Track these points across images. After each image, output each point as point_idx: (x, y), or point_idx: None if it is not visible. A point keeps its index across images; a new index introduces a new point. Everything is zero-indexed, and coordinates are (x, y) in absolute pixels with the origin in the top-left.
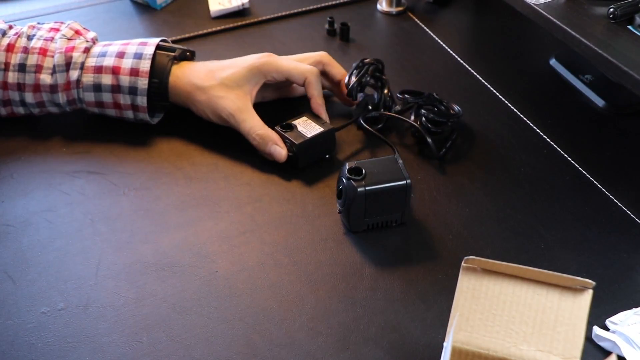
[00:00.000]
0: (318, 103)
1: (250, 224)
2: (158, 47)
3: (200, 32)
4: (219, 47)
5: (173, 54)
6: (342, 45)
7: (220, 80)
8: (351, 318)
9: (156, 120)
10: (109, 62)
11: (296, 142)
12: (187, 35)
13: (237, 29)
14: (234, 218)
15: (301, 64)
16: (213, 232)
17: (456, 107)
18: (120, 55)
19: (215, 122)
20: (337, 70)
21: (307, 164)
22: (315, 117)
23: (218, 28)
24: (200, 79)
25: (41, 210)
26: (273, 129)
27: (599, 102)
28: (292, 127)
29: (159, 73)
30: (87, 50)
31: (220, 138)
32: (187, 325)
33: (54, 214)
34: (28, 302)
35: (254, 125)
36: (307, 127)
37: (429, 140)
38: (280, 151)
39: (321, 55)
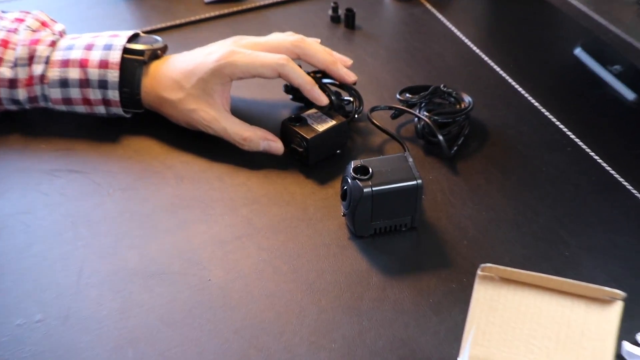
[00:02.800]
0: (308, 90)
1: (247, 228)
2: (126, 51)
3: (193, 19)
4: (213, 35)
5: (142, 58)
6: (347, 33)
7: (187, 92)
8: (356, 331)
9: (132, 113)
10: (76, 54)
11: (307, 137)
12: (177, 22)
13: (232, 15)
14: (229, 221)
15: (268, 56)
16: (206, 236)
17: (467, 98)
18: (89, 47)
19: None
20: (317, 59)
21: (317, 160)
22: (326, 109)
23: (212, 14)
24: (166, 91)
25: (17, 212)
26: (282, 123)
27: (629, 94)
28: (301, 120)
29: (128, 82)
30: (53, 44)
31: (214, 136)
32: (176, 338)
33: (31, 216)
34: (2, 313)
35: (236, 131)
36: (317, 120)
37: (440, 137)
38: (274, 145)
39: (294, 43)
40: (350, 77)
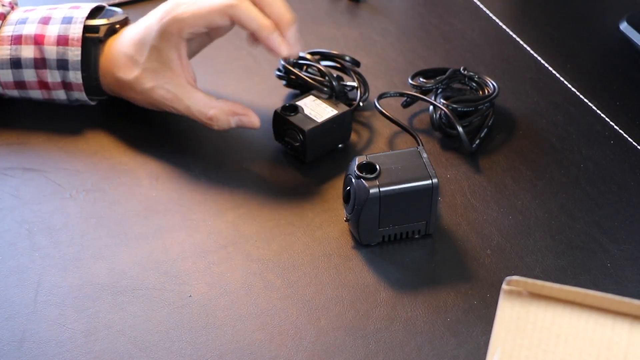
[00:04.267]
0: (265, 36)
1: (233, 236)
2: (86, 29)
3: None
4: None
5: (97, 35)
6: (350, 6)
7: (142, 67)
8: (362, 356)
9: (96, 99)
10: (30, 29)
11: (304, 129)
12: None
13: None
14: (213, 228)
15: (211, 6)
16: (185, 245)
17: (491, 83)
18: (45, 21)
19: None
20: (271, 9)
21: (316, 157)
22: (326, 96)
23: None
24: (121, 70)
25: None
26: (274, 113)
27: None
28: (297, 109)
29: (85, 65)
30: (2, 17)
31: (194, 125)
32: None
33: None
34: None
35: (201, 108)
36: (316, 109)
37: (460, 129)
38: (246, 119)
39: (225, 11)
40: (282, 49)
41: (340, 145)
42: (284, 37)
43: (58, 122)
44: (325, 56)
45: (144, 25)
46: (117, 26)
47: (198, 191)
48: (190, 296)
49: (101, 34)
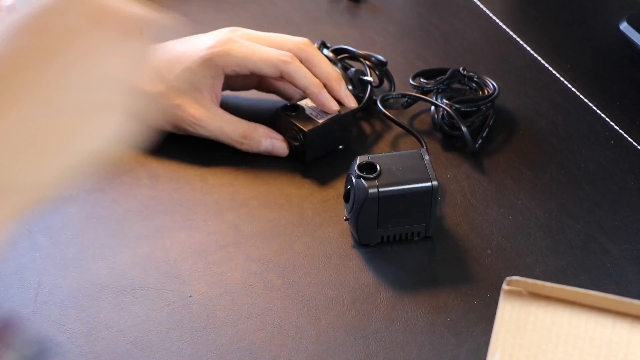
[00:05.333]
0: (315, 93)
1: (234, 236)
2: None
3: None
4: (192, 11)
5: None
6: (350, 6)
7: (169, 83)
8: (362, 356)
9: None
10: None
11: (305, 130)
12: None
13: None
14: (213, 228)
15: (271, 50)
16: (186, 245)
17: (491, 84)
18: None
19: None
20: (320, 68)
21: (316, 157)
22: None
23: None
24: (144, 83)
25: None
26: (275, 112)
27: None
28: (298, 109)
29: None
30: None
31: None
32: None
33: None
34: None
35: (234, 129)
36: (317, 110)
37: (464, 129)
38: (279, 145)
39: (298, 45)
40: (332, 104)
41: (340, 147)
42: (338, 94)
43: None
44: (351, 55)
45: (182, 49)
46: None
47: (198, 191)
48: (190, 296)
49: None
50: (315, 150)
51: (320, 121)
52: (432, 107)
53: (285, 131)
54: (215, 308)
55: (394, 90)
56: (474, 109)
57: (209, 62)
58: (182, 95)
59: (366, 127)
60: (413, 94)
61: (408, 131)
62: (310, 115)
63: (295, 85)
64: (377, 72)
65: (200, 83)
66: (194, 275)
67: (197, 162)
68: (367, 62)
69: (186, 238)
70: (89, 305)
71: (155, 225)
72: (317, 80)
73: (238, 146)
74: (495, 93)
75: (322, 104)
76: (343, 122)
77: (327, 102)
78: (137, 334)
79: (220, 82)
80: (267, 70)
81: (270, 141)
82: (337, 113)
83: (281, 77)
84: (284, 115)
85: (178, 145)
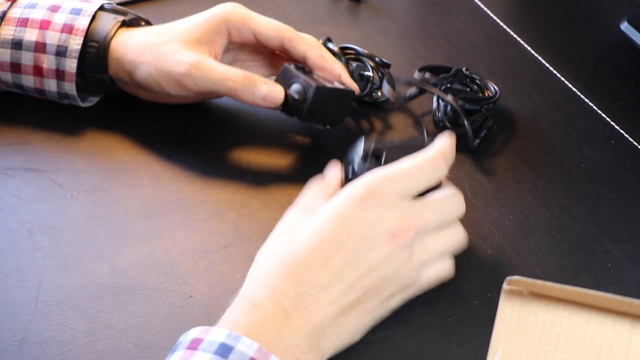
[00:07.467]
0: (316, 56)
1: (235, 236)
2: (103, 8)
3: None
4: (192, 11)
5: (123, 17)
6: (351, 6)
7: (175, 35)
8: (362, 356)
9: (88, 104)
10: (37, 14)
11: (314, 85)
12: None
13: None
14: (214, 228)
15: (276, 21)
16: (186, 245)
17: (492, 87)
18: (54, 9)
19: (166, 93)
20: (323, 52)
21: (311, 118)
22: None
23: None
24: (151, 36)
25: None
26: (283, 66)
27: None
28: (306, 70)
29: (98, 34)
30: (13, 0)
31: (196, 125)
32: None
33: None
34: None
35: (233, 71)
36: (323, 80)
37: (467, 124)
38: (277, 90)
39: (287, 27)
40: (336, 66)
41: (328, 127)
42: (342, 77)
43: (59, 122)
44: (357, 53)
45: (186, 19)
46: (142, 22)
47: (199, 191)
48: (191, 296)
49: (127, 17)
50: (313, 111)
51: (329, 86)
52: (434, 103)
53: (290, 85)
54: (216, 308)
55: (395, 89)
56: (476, 107)
57: (217, 18)
58: (182, 43)
59: (363, 122)
60: (421, 86)
61: (417, 123)
62: (317, 79)
63: (297, 51)
64: (378, 74)
65: (203, 36)
66: (195, 275)
67: (198, 162)
68: (371, 63)
69: (187, 238)
70: (89, 306)
71: (156, 226)
72: (318, 42)
73: (236, 93)
74: (497, 96)
75: (323, 65)
76: (344, 99)
77: (329, 64)
78: (138, 334)
79: (222, 41)
80: (270, 33)
81: (267, 86)
82: (340, 83)
83: (280, 48)
84: (294, 69)
85: (179, 145)
